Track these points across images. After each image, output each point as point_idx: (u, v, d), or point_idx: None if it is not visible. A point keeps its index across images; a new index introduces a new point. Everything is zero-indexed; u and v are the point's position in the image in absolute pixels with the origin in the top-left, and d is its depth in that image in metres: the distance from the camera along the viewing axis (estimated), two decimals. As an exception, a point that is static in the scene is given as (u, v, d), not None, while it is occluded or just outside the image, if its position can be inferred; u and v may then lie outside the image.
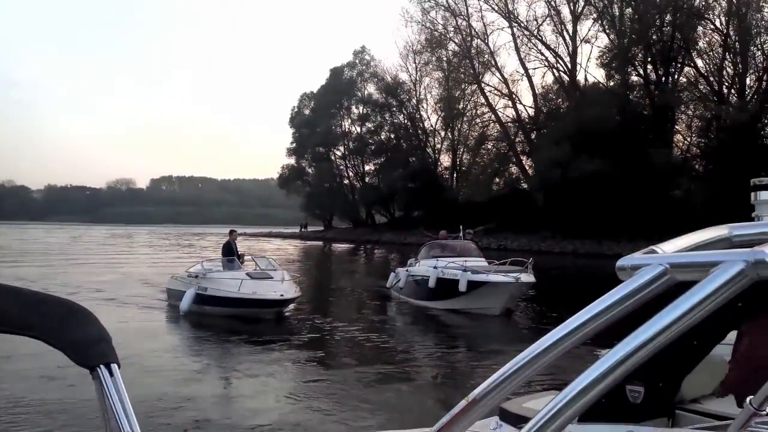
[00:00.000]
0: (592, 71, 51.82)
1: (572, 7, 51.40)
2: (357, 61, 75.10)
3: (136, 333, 11.27)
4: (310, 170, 79.80)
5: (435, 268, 15.15)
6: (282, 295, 12.72)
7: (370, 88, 74.28)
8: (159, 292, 16.62)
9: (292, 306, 13.85)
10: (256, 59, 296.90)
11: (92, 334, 0.94)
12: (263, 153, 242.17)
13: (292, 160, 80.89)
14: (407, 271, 17.00)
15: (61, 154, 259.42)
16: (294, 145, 79.78)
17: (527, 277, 13.86)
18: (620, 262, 0.85)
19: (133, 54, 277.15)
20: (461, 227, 17.95)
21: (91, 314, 0.98)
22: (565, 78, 52.90)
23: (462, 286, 13.83)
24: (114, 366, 0.95)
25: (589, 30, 51.66)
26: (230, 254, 14.74)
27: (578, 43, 51.46)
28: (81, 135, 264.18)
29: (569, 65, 52.37)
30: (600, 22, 49.91)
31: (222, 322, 12.37)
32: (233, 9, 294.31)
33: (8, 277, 18.87)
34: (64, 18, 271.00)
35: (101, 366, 0.93)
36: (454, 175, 65.37)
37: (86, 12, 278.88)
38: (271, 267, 14.47)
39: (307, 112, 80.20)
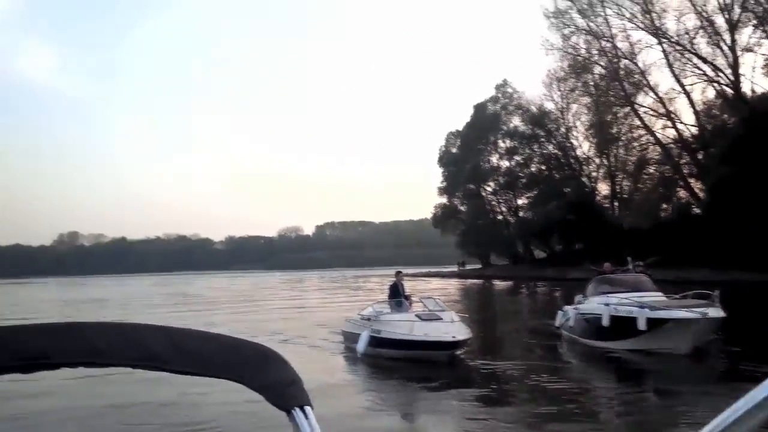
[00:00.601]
0: (759, 81, 47.13)
1: (727, 16, 47.62)
2: (500, 94, 75.00)
3: (319, 374, 11.72)
4: (462, 208, 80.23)
5: (607, 305, 14.34)
6: (454, 337, 12.74)
7: (515, 121, 73.56)
8: (334, 334, 17.33)
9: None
10: (401, 104, 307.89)
11: (286, 377, 0.99)
12: (417, 193, 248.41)
13: (444, 199, 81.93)
14: (576, 308, 16.31)
15: (237, 208, 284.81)
16: (444, 183, 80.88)
17: (715, 312, 12.56)
18: None
19: (285, 112, 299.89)
20: (629, 259, 16.82)
21: (283, 358, 1.03)
22: (729, 91, 48.83)
23: (641, 324, 12.92)
24: (308, 408, 0.99)
25: (750, 38, 47.45)
26: (397, 295, 15.04)
27: (738, 52, 47.41)
28: (253, 191, 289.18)
29: (731, 77, 48.31)
30: (762, 28, 45.80)
31: (397, 364, 12.69)
32: (376, 63, 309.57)
33: (202, 323, 21.11)
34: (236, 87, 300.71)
35: (296, 408, 0.98)
36: (614, 203, 62.32)
37: (263, 72, 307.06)
38: (439, 308, 14.48)
39: (454, 150, 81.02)
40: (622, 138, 60.13)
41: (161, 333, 0.93)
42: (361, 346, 13.59)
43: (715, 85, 49.79)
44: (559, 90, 66.08)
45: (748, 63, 47.95)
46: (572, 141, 68.19)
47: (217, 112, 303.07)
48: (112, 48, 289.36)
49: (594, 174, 66.17)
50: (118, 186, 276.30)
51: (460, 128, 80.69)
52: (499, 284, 55.77)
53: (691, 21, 49.57)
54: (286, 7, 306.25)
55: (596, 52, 57.88)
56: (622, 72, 55.62)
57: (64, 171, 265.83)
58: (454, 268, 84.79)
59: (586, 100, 62.25)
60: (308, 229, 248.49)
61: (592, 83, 59.95)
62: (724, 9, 47.56)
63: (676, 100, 53.91)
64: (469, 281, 64.80)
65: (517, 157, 73.30)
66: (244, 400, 6.48)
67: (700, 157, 50.81)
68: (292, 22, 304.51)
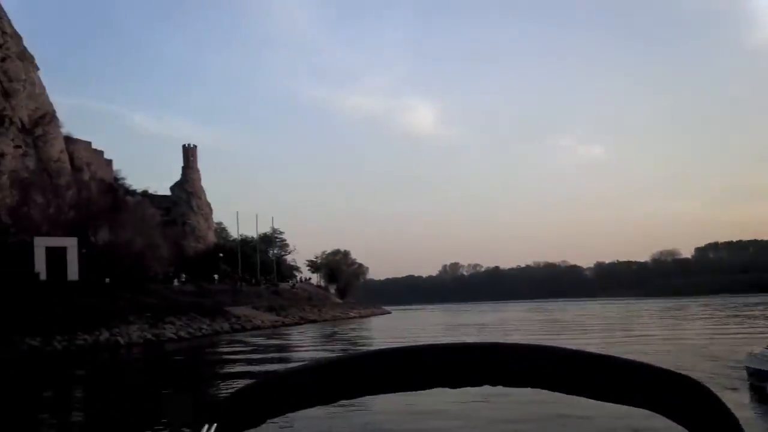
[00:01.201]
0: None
1: None
2: None
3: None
4: None
5: None
6: None
7: None
8: (730, 369, 15.47)
9: None
10: None
11: (718, 413, 0.87)
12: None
13: None
14: None
15: (606, 233, 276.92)
16: None
17: None
18: None
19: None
20: None
21: (715, 393, 0.91)
22: None
23: None
24: None
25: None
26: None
27: None
28: (623, 216, 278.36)
29: None
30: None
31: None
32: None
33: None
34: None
35: None
36: None
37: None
38: None
39: None
40: None
41: (579, 357, 0.89)
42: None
43: None
44: None
45: None
46: None
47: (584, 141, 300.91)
48: (479, 101, 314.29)
49: None
50: (491, 220, 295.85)
51: None
52: None
53: None
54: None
55: None
56: None
57: (443, 209, 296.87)
58: None
59: None
60: (686, 252, 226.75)
61: None
62: None
63: None
64: None
65: None
66: None
67: None
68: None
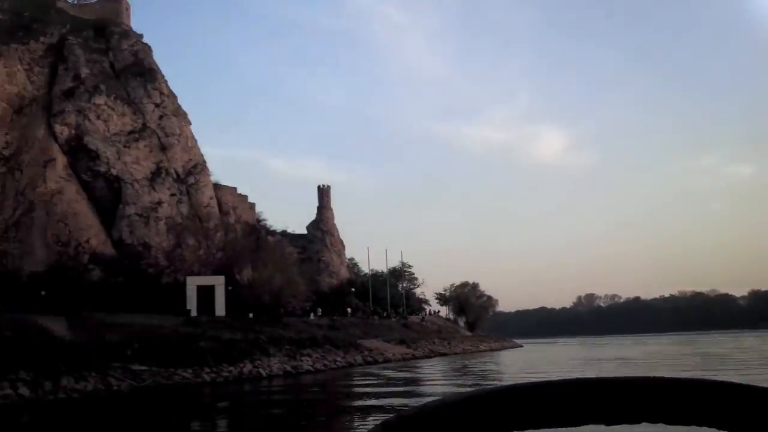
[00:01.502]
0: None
1: None
2: None
3: None
4: None
5: None
6: None
7: None
8: None
9: None
10: None
11: None
12: None
13: None
14: None
15: (760, 257, 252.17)
16: None
17: None
18: None
19: None
20: None
21: None
22: None
23: None
24: None
25: None
26: None
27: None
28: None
29: None
30: None
31: None
32: None
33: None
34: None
35: None
36: None
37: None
38: None
39: None
40: None
41: (759, 393, 0.80)
42: None
43: None
44: None
45: None
46: None
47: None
48: (609, 124, 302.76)
49: None
50: (629, 247, 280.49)
51: None
52: None
53: None
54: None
55: None
56: None
57: (576, 238, 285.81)
58: None
59: None
60: None
61: None
62: None
63: None
64: None
65: None
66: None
67: None
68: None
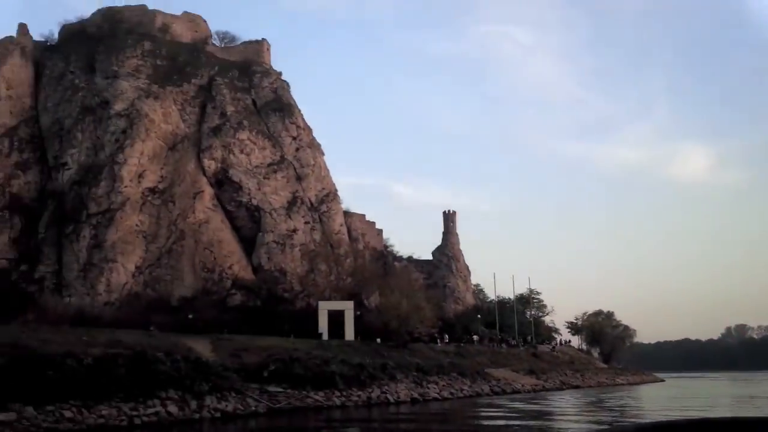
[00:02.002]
0: None
1: None
2: None
3: None
4: None
5: None
6: None
7: None
8: None
9: None
10: None
11: None
12: None
13: None
14: None
15: None
16: None
17: None
18: None
19: None
20: None
21: None
22: None
23: None
24: None
25: None
26: None
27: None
28: None
29: None
30: None
31: None
32: None
33: None
34: None
35: None
36: None
37: None
38: None
39: None
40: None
41: None
42: None
43: None
44: None
45: None
46: None
47: None
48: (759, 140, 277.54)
49: None
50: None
51: None
52: None
53: None
54: None
55: None
56: None
57: (725, 262, 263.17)
58: None
59: None
60: None
61: None
62: None
63: None
64: None
65: None
66: None
67: None
68: None
